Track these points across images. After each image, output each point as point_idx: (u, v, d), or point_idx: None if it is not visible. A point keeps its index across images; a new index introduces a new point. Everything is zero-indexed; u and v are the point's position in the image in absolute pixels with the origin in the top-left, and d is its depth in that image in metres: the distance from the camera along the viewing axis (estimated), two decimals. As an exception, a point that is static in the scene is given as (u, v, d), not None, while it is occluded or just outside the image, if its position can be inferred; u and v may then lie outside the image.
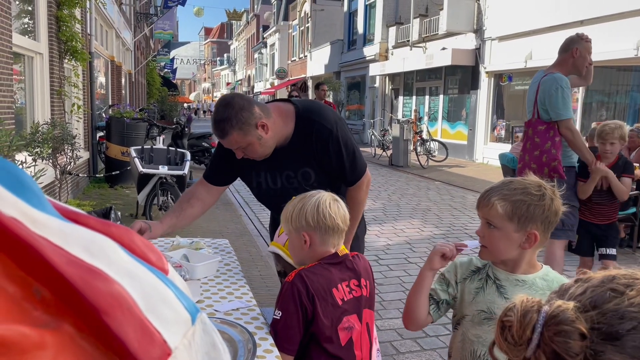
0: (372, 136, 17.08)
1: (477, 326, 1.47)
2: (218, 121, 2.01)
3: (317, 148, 2.12)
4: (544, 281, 1.45)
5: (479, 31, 14.43)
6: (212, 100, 71.36)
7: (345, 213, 1.69)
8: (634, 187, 5.68)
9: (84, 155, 7.99)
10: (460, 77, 15.66)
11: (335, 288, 1.64)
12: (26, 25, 6.19)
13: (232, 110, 2.00)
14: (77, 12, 7.37)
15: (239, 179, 2.38)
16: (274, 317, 1.59)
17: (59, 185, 5.81)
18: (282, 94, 36.87)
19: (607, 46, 9.29)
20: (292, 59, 34.90)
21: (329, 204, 1.65)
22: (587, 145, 3.83)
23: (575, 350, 0.60)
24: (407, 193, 9.59)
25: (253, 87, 48.06)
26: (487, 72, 14.22)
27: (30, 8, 6.16)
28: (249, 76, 50.60)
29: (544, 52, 11.48)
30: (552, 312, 0.63)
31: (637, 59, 9.58)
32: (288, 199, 2.17)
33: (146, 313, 0.43)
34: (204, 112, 59.92)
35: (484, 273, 1.51)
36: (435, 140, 15.07)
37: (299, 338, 1.58)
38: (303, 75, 30.54)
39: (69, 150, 5.58)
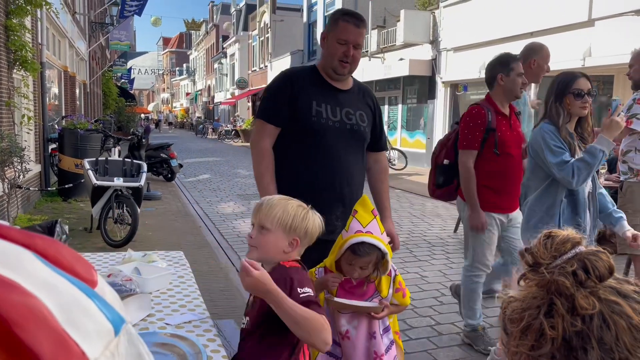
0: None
1: None
2: (361, 18, 2.48)
3: (372, 103, 2.64)
4: None
5: (434, 42, 14.77)
6: (171, 111, 70.23)
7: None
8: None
9: (35, 168, 7.72)
10: (418, 87, 15.96)
11: None
12: (-28, 34, 5.97)
13: None
14: (28, 22, 7.16)
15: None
16: (308, 294, 1.51)
17: (7, 199, 5.60)
18: (243, 104, 36.70)
19: (556, 56, 9.63)
20: (253, 69, 34.80)
21: (320, 222, 1.70)
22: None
23: (601, 272, 0.71)
24: (368, 201, 9.66)
25: (213, 97, 47.57)
26: (443, 82, 14.54)
27: (-24, 16, 5.95)
28: (209, 86, 50.11)
29: (497, 63, 11.84)
30: (593, 248, 0.77)
31: (584, 69, 10.00)
32: (342, 135, 2.45)
33: (64, 325, 0.42)
34: (170, 123, 58.68)
35: None
36: (395, 149, 15.28)
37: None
38: (264, 85, 30.48)
39: (17, 163, 5.38)
